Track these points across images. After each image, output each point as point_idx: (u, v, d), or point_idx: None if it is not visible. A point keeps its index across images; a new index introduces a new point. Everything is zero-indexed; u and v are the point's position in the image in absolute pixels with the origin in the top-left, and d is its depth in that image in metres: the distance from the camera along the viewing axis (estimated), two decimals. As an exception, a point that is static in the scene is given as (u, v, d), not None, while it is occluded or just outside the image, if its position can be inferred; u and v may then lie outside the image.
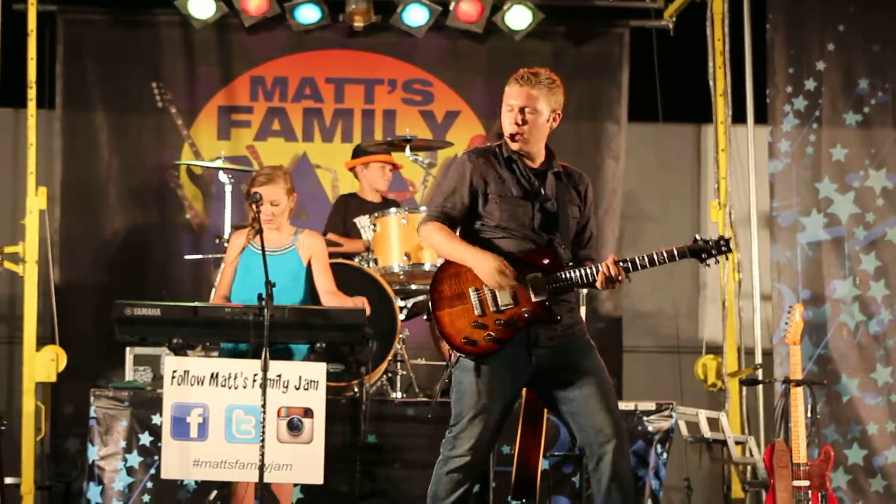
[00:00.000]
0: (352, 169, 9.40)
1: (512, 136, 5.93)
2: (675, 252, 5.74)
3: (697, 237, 5.80)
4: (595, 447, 5.76)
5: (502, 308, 5.79)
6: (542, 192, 5.94)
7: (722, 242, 5.78)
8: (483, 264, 5.75)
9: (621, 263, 5.73)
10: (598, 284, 5.73)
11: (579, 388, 5.80)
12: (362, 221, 8.65)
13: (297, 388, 6.66)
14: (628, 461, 5.83)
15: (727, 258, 5.86)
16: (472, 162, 5.94)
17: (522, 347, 5.83)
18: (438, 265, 6.01)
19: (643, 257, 5.73)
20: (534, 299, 5.78)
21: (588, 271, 5.76)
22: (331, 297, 7.19)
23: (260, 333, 6.50)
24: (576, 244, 6.00)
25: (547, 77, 5.97)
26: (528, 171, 5.96)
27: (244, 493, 6.90)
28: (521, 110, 5.90)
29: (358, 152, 9.39)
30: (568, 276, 5.79)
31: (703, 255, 5.77)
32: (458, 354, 5.83)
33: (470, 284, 5.81)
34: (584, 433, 5.80)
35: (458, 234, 5.91)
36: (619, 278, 5.71)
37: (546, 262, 5.82)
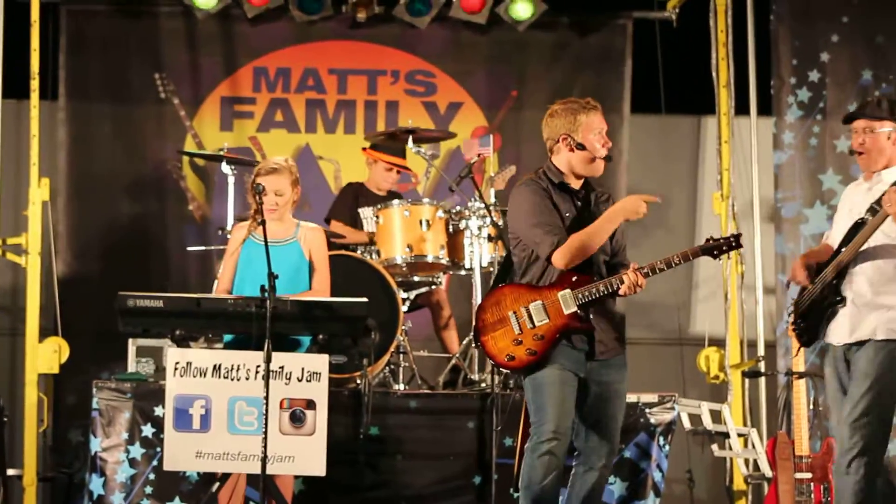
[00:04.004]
0: (365, 153, 9.37)
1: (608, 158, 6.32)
2: (690, 254, 6.20)
3: (709, 238, 6.22)
4: (590, 460, 6.30)
5: (537, 324, 6.19)
6: (587, 212, 6.31)
7: (732, 239, 6.21)
8: (621, 210, 6.19)
9: (641, 271, 6.14)
10: (621, 292, 6.17)
11: (605, 407, 6.28)
12: (366, 213, 8.65)
13: (300, 380, 6.65)
14: (604, 486, 6.43)
15: (740, 253, 6.26)
16: (539, 186, 6.28)
17: (581, 362, 6.24)
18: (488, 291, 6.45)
19: (661, 262, 6.15)
20: (565, 312, 6.17)
21: (612, 282, 6.18)
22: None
23: (262, 325, 6.48)
24: (611, 254, 6.38)
25: None
26: (576, 195, 6.34)
27: (235, 482, 6.89)
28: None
29: (378, 147, 9.33)
30: (593, 289, 6.18)
31: (714, 252, 6.20)
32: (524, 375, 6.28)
33: (509, 309, 6.25)
34: (588, 443, 6.30)
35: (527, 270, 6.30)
36: (640, 284, 6.15)
37: (574, 279, 6.20)
